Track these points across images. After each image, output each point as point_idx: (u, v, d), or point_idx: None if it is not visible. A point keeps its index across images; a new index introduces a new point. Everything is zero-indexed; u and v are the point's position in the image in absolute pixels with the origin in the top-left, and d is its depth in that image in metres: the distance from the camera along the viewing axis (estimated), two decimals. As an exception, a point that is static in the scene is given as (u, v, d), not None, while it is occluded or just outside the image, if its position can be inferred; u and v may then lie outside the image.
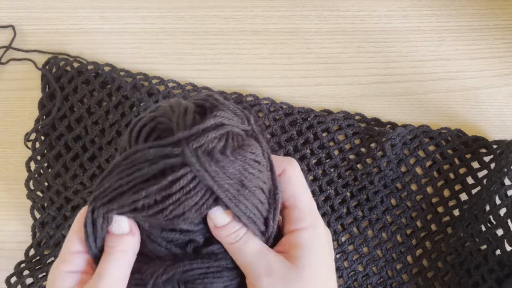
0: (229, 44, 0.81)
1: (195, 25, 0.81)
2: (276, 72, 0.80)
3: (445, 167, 0.75)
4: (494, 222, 0.68)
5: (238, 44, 0.81)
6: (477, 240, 0.70)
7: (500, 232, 0.68)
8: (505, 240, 0.67)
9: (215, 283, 0.41)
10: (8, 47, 0.79)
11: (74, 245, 0.41)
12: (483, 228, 0.70)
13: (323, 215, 0.74)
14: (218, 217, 0.40)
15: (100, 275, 0.39)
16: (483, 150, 0.75)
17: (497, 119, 0.78)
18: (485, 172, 0.74)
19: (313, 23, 0.81)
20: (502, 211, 0.68)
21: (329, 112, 0.77)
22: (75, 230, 0.41)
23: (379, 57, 0.81)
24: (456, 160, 0.75)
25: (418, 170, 0.75)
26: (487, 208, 0.70)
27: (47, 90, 0.76)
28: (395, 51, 0.81)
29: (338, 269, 0.74)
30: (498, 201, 0.69)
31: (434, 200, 0.75)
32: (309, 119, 0.75)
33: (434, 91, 0.79)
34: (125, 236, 0.40)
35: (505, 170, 0.68)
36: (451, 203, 0.74)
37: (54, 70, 0.77)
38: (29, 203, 0.75)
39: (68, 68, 0.77)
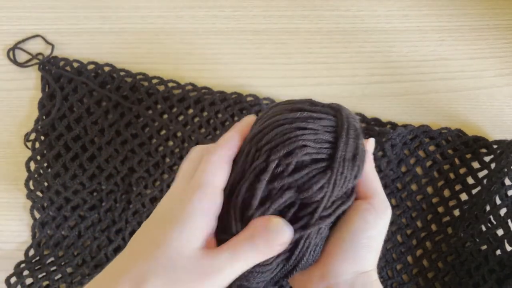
0: (229, 44, 0.81)
1: (195, 25, 0.81)
2: (276, 72, 0.80)
3: (445, 167, 0.75)
4: (495, 222, 0.68)
5: (238, 44, 0.81)
6: (477, 240, 0.70)
7: (500, 232, 0.68)
8: (506, 240, 0.67)
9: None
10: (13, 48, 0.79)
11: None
12: (484, 228, 0.70)
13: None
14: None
15: None
16: (484, 150, 0.75)
17: (498, 119, 0.78)
18: (485, 172, 0.74)
19: (313, 23, 0.81)
20: (503, 211, 0.68)
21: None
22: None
23: (380, 57, 0.80)
24: (457, 160, 0.75)
25: (418, 170, 0.75)
26: (488, 208, 0.70)
27: (46, 90, 0.76)
28: (395, 51, 0.81)
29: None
30: (498, 201, 0.69)
31: (434, 200, 0.75)
32: (309, 119, 0.74)
33: (434, 91, 0.79)
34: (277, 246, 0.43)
35: (506, 170, 0.68)
36: (451, 203, 0.74)
37: (53, 70, 0.77)
38: (29, 203, 0.75)
39: (68, 68, 0.77)
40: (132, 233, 0.74)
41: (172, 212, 0.41)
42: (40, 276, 0.72)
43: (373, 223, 0.45)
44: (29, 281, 0.72)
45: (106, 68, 0.77)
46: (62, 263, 0.73)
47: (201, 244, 0.40)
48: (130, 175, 0.75)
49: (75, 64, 0.77)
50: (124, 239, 0.74)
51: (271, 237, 0.41)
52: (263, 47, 0.81)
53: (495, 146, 0.74)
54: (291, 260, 0.44)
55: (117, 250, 0.74)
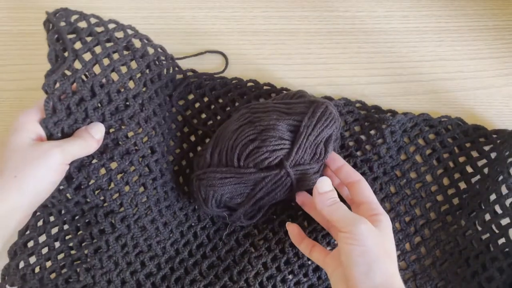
0: (229, 45, 0.81)
1: (195, 26, 0.82)
2: (276, 73, 0.80)
3: (445, 155, 0.75)
4: (501, 211, 0.67)
5: (238, 45, 0.81)
6: (479, 229, 0.69)
7: (505, 221, 0.67)
8: (511, 230, 0.66)
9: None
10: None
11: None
12: (488, 217, 0.69)
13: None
14: (324, 185, 0.59)
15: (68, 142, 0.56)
16: (483, 139, 0.74)
17: (497, 119, 0.78)
18: (484, 161, 0.74)
19: (312, 24, 0.82)
20: (508, 201, 0.67)
21: (329, 98, 0.77)
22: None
23: (379, 58, 0.81)
24: (456, 149, 0.75)
25: (418, 158, 0.75)
26: (492, 197, 0.69)
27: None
28: (394, 51, 0.81)
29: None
30: (504, 191, 0.68)
31: (433, 188, 0.74)
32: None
33: (433, 91, 0.79)
34: (95, 140, 0.59)
35: (511, 160, 0.68)
36: (450, 191, 0.74)
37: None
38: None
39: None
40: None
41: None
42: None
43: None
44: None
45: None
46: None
47: (31, 140, 0.55)
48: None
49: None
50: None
51: (88, 127, 0.59)
52: (263, 48, 0.81)
53: (494, 136, 0.74)
54: None
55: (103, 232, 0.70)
